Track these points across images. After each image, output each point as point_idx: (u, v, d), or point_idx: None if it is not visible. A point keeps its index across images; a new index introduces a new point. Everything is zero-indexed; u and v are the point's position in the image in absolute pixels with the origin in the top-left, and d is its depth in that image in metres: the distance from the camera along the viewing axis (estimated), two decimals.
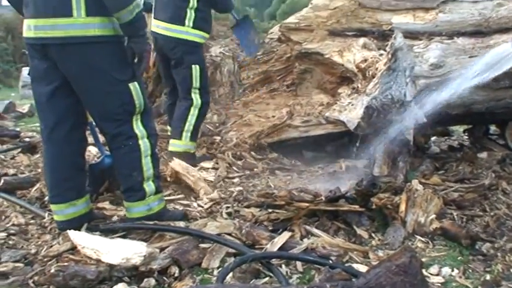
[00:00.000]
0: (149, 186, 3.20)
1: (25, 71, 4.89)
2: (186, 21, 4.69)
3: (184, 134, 4.76)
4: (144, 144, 3.15)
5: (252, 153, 4.94)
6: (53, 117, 3.08)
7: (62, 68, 2.97)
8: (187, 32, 4.70)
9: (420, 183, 3.60)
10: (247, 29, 5.47)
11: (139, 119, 3.15)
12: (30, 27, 2.97)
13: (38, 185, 3.97)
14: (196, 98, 4.80)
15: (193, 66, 4.76)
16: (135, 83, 3.09)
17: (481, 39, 4.86)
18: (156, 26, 4.83)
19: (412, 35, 4.80)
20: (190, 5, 4.68)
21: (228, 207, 3.66)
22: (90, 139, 3.62)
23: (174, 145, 4.79)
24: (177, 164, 4.17)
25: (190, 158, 4.61)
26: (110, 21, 2.92)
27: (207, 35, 4.89)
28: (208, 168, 4.58)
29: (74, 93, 3.05)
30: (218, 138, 5.25)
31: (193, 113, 4.80)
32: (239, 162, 4.74)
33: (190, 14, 4.69)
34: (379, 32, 4.97)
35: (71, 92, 3.05)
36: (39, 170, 4.47)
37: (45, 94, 3.06)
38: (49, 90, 3.05)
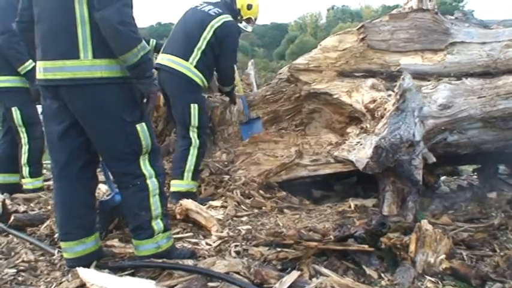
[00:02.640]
0: (157, 225, 3.20)
1: (39, 109, 4.97)
2: (190, 59, 4.86)
3: (185, 174, 4.81)
4: (152, 183, 3.17)
5: (261, 191, 4.94)
6: (64, 155, 3.13)
7: (71, 108, 3.03)
8: (189, 68, 4.85)
9: (430, 223, 3.57)
10: (255, 129, 5.62)
11: (147, 158, 3.18)
12: (40, 69, 3.06)
13: (48, 222, 3.99)
14: (194, 137, 4.88)
15: (191, 105, 4.85)
16: (143, 123, 3.12)
17: (489, 80, 4.92)
18: (161, 58, 4.97)
19: (420, 76, 4.87)
20: (199, 45, 4.86)
21: (236, 246, 3.65)
22: (101, 177, 3.64)
23: (176, 185, 4.83)
24: (189, 202, 4.21)
25: (193, 197, 4.61)
26: (117, 62, 2.97)
27: (205, 82, 5.00)
28: (217, 207, 4.58)
29: (84, 132, 3.10)
30: (227, 176, 5.26)
31: (193, 153, 4.87)
32: (248, 201, 4.74)
33: (196, 54, 4.87)
34: (388, 73, 5.03)
35: (81, 131, 3.09)
36: (49, 207, 4.49)
37: (57, 133, 3.12)
38: (60, 129, 3.10)
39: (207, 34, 4.91)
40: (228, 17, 5.05)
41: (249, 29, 5.61)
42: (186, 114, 4.86)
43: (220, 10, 5.08)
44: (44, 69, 3.03)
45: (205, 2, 5.22)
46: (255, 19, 5.58)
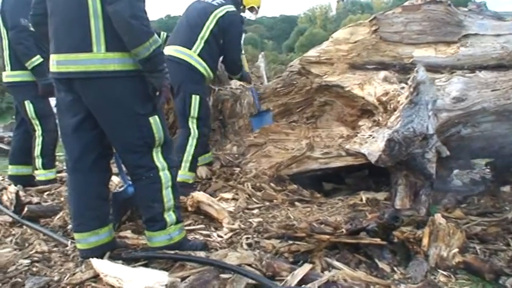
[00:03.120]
0: (170, 217, 3.21)
1: (52, 101, 5.00)
2: (194, 47, 4.89)
3: (183, 164, 4.82)
4: (164, 175, 3.18)
5: (272, 184, 4.93)
6: (78, 148, 3.15)
7: (85, 100, 3.05)
8: (191, 56, 4.87)
9: (443, 216, 3.56)
10: (265, 121, 5.61)
11: (159, 151, 3.19)
12: (54, 62, 3.07)
13: (61, 214, 4.03)
14: (193, 128, 4.90)
15: (193, 95, 4.87)
16: (156, 116, 3.13)
17: (504, 73, 4.87)
18: (167, 49, 4.98)
19: (433, 68, 4.83)
20: (202, 34, 4.90)
21: (248, 238, 3.65)
22: (114, 169, 3.65)
23: None
24: (201, 194, 4.22)
25: (187, 188, 4.61)
26: (129, 56, 2.98)
27: (210, 72, 5.01)
28: (228, 199, 4.59)
29: (98, 125, 3.11)
30: (238, 169, 5.27)
31: (192, 143, 4.88)
32: (259, 194, 4.74)
33: (200, 43, 4.90)
34: (400, 66, 5.00)
35: (95, 123, 3.11)
36: (62, 199, 4.52)
37: (71, 126, 3.13)
38: (74, 122, 3.12)
39: (210, 23, 4.94)
40: (231, 7, 5.07)
41: (253, 17, 5.61)
42: (187, 104, 4.87)
43: (223, 1, 5.10)
44: (57, 62, 3.04)
45: None
46: (258, 7, 5.59)
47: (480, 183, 5.36)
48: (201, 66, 4.91)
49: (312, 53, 5.47)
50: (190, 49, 4.89)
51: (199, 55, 4.89)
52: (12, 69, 5.18)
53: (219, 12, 4.97)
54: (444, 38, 5.07)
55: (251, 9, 5.54)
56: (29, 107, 5.16)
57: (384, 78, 4.78)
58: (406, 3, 5.55)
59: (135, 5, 2.86)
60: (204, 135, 5.00)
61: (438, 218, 3.40)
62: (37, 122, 5.21)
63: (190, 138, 4.89)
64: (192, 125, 4.91)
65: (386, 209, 4.00)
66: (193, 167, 4.90)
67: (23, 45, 4.99)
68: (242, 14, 5.46)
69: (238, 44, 5.25)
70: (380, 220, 3.43)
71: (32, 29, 4.59)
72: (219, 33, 4.97)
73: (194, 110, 4.88)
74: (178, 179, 4.55)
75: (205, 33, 4.92)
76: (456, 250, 3.25)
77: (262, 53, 8.37)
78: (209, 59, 4.96)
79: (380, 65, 5.07)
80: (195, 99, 4.87)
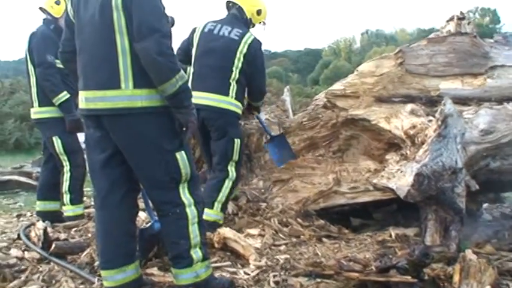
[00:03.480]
0: (196, 253, 3.19)
1: (80, 137, 5.08)
2: (230, 92, 4.79)
3: (216, 204, 4.76)
4: (191, 212, 3.18)
5: (299, 219, 4.88)
6: (106, 184, 3.17)
7: (113, 137, 3.08)
8: (230, 102, 4.80)
9: (473, 252, 3.48)
10: (281, 146, 5.55)
11: (186, 187, 3.19)
12: (82, 99, 3.12)
13: (88, 250, 4.02)
14: (232, 170, 4.85)
15: (235, 139, 4.83)
16: (182, 152, 3.15)
17: None
18: (197, 97, 4.54)
19: (460, 100, 4.80)
20: (233, 76, 4.81)
21: (275, 276, 3.60)
22: (141, 204, 3.66)
23: (206, 214, 4.66)
24: (228, 230, 4.20)
25: (218, 228, 4.48)
26: (156, 92, 3.01)
27: (242, 108, 4.98)
28: (254, 235, 4.55)
29: (126, 161, 3.14)
30: (264, 204, 5.23)
31: (228, 185, 4.82)
32: (285, 229, 4.68)
33: (233, 86, 4.81)
34: (427, 98, 4.97)
35: (123, 160, 3.14)
36: (90, 235, 4.53)
37: (99, 162, 3.16)
38: (102, 158, 3.15)
39: (238, 63, 4.84)
40: (249, 36, 4.92)
41: (263, 30, 5.48)
42: (230, 149, 4.82)
43: (239, 30, 4.93)
44: (86, 99, 3.09)
45: (214, 21, 5.08)
46: (265, 19, 5.35)
47: (511, 217, 5.24)
48: (238, 107, 4.87)
49: (338, 86, 5.47)
50: (227, 95, 4.78)
51: (236, 98, 4.83)
52: (40, 106, 5.28)
53: (243, 49, 4.83)
54: (471, 69, 5.04)
55: (261, 24, 5.33)
56: (57, 142, 5.23)
57: (410, 111, 4.74)
58: (431, 36, 5.55)
59: (162, 43, 2.91)
60: (240, 177, 5.01)
61: (469, 254, 3.32)
62: (65, 158, 5.28)
63: (227, 180, 4.83)
64: (231, 168, 4.86)
65: (416, 245, 3.91)
66: (224, 208, 4.87)
67: (50, 82, 5.09)
68: (252, 28, 5.27)
69: (263, 71, 5.20)
70: (410, 257, 3.36)
71: (58, 65, 4.73)
72: (246, 67, 4.87)
73: (236, 154, 4.85)
74: (210, 218, 4.59)
75: (235, 74, 4.82)
76: (488, 287, 3.15)
77: (288, 86, 8.39)
78: (242, 97, 4.94)
79: (406, 97, 5.04)
80: (237, 144, 4.85)
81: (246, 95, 5.15)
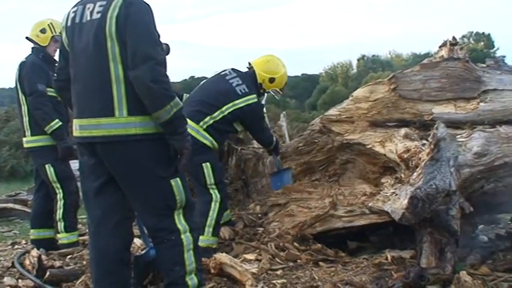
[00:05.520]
0: (192, 280, 3.19)
1: (73, 164, 5.10)
2: (201, 123, 4.83)
3: (206, 229, 4.77)
4: (186, 238, 3.19)
5: (295, 244, 4.87)
6: (100, 212, 3.18)
7: (107, 164, 3.10)
8: (197, 130, 4.79)
9: (468, 274, 3.49)
10: (285, 180, 5.61)
11: (181, 213, 3.21)
12: (77, 127, 3.15)
13: (83, 278, 4.02)
14: (215, 193, 4.85)
15: (203, 164, 4.81)
16: (177, 179, 3.16)
17: None
18: None
19: (454, 124, 4.83)
20: (214, 115, 4.88)
21: None
22: (136, 231, 3.66)
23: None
24: (224, 256, 4.20)
25: (212, 254, 4.47)
26: (151, 119, 3.04)
27: (215, 144, 4.94)
28: (251, 260, 4.54)
29: (120, 188, 3.15)
30: (261, 229, 5.24)
31: (214, 208, 4.83)
32: (282, 254, 4.68)
33: (208, 120, 4.86)
34: (421, 122, 5.00)
35: (117, 187, 3.15)
36: (85, 262, 4.52)
37: (93, 189, 3.18)
38: (96, 185, 3.17)
39: (226, 110, 4.92)
40: (252, 99, 5.03)
41: (277, 97, 5.56)
42: (200, 174, 4.82)
43: (246, 89, 5.03)
44: (80, 127, 3.12)
45: (234, 70, 5.24)
46: (281, 89, 5.47)
47: (506, 238, 5.24)
48: (207, 140, 4.85)
49: (333, 111, 5.50)
50: (197, 124, 4.81)
51: (205, 130, 4.84)
52: (32, 135, 5.30)
53: (240, 103, 4.95)
54: (463, 94, 5.08)
55: (275, 93, 5.44)
56: (49, 170, 5.24)
57: (404, 135, 4.77)
58: (424, 61, 5.61)
59: (156, 70, 2.94)
60: (226, 197, 5.00)
61: (464, 275, 3.34)
62: (58, 186, 5.28)
63: (213, 203, 4.84)
64: (213, 191, 4.87)
65: (411, 267, 3.91)
66: (216, 231, 4.87)
67: (42, 111, 5.12)
68: (265, 93, 5.45)
69: (262, 127, 5.28)
70: (406, 279, 3.38)
71: (49, 93, 4.78)
72: (232, 118, 4.97)
73: (209, 178, 4.83)
74: (202, 244, 4.55)
75: (217, 115, 4.88)
76: None
77: (284, 112, 8.46)
78: (216, 134, 4.90)
79: (400, 122, 5.07)
80: (207, 167, 4.82)
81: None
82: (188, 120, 4.73)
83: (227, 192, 5.06)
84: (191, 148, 4.74)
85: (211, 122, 4.86)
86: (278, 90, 5.40)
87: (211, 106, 4.92)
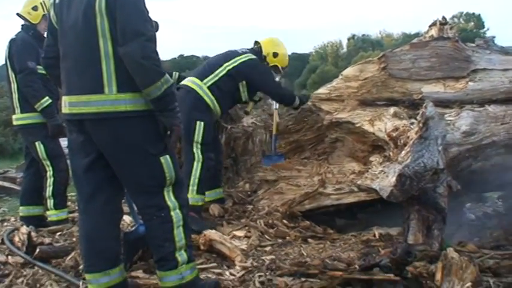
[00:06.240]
0: (181, 256, 3.20)
1: (63, 142, 5.09)
2: (205, 80, 5.11)
3: (190, 188, 4.90)
4: (176, 215, 3.19)
5: (284, 221, 4.92)
6: (89, 188, 3.17)
7: (96, 141, 3.08)
8: (200, 86, 5.08)
9: (455, 250, 3.52)
10: (275, 161, 5.73)
11: (171, 190, 3.20)
12: (66, 104, 3.12)
13: (72, 254, 4.03)
14: (198, 153, 5.00)
15: (197, 122, 4.99)
16: (166, 156, 3.15)
17: None
18: (186, 80, 5.25)
19: (442, 103, 4.85)
20: (217, 71, 5.16)
21: (260, 276, 3.64)
22: (125, 208, 3.67)
23: None
24: (213, 232, 4.23)
25: (197, 211, 4.76)
26: (141, 96, 3.02)
27: (216, 106, 5.16)
28: (240, 237, 4.58)
29: (109, 165, 3.14)
30: (250, 206, 5.28)
31: (196, 167, 4.98)
32: (271, 231, 4.73)
33: (212, 77, 5.14)
34: (410, 101, 5.02)
35: (106, 164, 3.14)
36: (74, 239, 4.53)
37: (82, 166, 3.16)
38: (86, 162, 3.15)
39: (229, 64, 5.19)
40: (250, 56, 5.33)
41: (277, 78, 5.73)
42: (191, 129, 4.97)
43: (248, 51, 5.41)
44: (70, 104, 3.10)
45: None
46: (283, 68, 5.76)
47: (493, 216, 5.31)
48: (208, 97, 5.08)
49: (323, 90, 5.53)
50: (201, 80, 5.10)
51: (208, 87, 5.08)
52: (22, 112, 5.27)
53: (242, 58, 5.27)
54: (452, 73, 5.10)
55: (275, 68, 5.67)
56: (39, 148, 5.23)
57: (393, 114, 4.79)
58: (414, 40, 5.62)
59: (147, 46, 2.92)
60: (208, 159, 5.06)
61: (451, 252, 3.35)
62: (48, 163, 5.27)
63: (195, 163, 4.98)
64: (197, 150, 5.00)
65: (399, 244, 3.95)
66: (200, 190, 4.98)
67: (32, 88, 5.09)
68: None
69: (272, 84, 5.47)
70: (393, 255, 3.40)
71: (39, 71, 4.74)
72: (236, 75, 5.20)
73: (198, 135, 4.99)
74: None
75: (221, 71, 5.16)
76: (469, 284, 3.18)
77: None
78: (218, 93, 5.12)
79: (390, 101, 5.10)
80: (199, 125, 4.99)
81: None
82: (193, 78, 5.12)
83: (210, 156, 5.11)
84: (191, 103, 4.97)
85: (215, 79, 5.13)
86: (279, 68, 5.68)
87: (214, 66, 5.25)
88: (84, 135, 3.11)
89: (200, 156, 4.99)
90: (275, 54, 5.63)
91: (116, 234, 3.32)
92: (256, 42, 5.72)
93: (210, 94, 5.08)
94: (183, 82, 5.25)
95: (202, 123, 5.00)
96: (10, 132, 14.79)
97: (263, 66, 5.48)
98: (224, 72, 5.16)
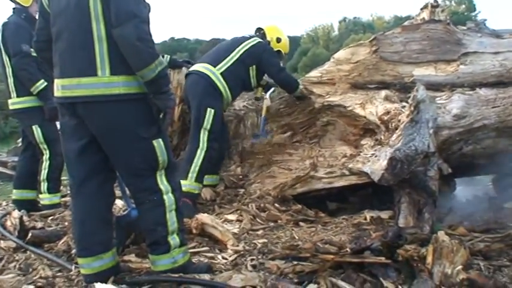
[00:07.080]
0: (174, 240, 3.21)
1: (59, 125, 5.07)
2: (219, 65, 5.19)
3: (190, 174, 4.93)
4: (168, 199, 3.19)
5: (276, 205, 4.93)
6: (81, 172, 3.16)
7: (88, 124, 3.07)
8: (214, 72, 5.14)
9: (446, 234, 3.55)
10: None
11: (163, 174, 3.20)
12: (58, 87, 3.10)
13: (65, 238, 4.03)
14: (203, 140, 5.02)
15: (208, 108, 5.03)
16: (159, 139, 3.15)
17: (503, 90, 4.91)
18: (194, 66, 5.41)
19: (433, 86, 4.86)
20: (230, 56, 5.27)
21: (252, 260, 3.65)
22: (118, 192, 3.67)
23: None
24: (205, 216, 4.24)
25: (193, 198, 4.81)
26: (134, 79, 3.00)
27: (228, 93, 5.22)
28: (232, 221, 4.60)
29: (102, 149, 3.13)
30: (242, 190, 5.29)
31: (199, 155, 5.00)
32: (263, 214, 4.74)
33: (226, 63, 5.23)
34: (401, 85, 5.03)
35: (99, 148, 3.13)
36: (66, 224, 4.53)
37: (74, 150, 3.15)
38: (78, 146, 3.14)
39: (241, 48, 5.33)
40: (258, 39, 5.52)
41: (281, 60, 5.79)
42: (201, 115, 5.03)
43: (254, 35, 5.63)
44: (62, 87, 3.07)
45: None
46: (285, 54, 5.90)
47: (483, 200, 5.35)
48: (221, 84, 5.15)
49: (314, 73, 5.53)
50: (215, 67, 5.17)
51: (221, 74, 5.16)
52: (18, 96, 5.24)
53: (251, 42, 5.41)
54: (444, 56, 5.10)
55: (278, 53, 5.77)
56: (37, 131, 5.22)
57: (385, 97, 4.81)
58: (405, 23, 5.61)
59: (141, 28, 2.90)
60: (213, 149, 5.07)
61: (442, 235, 3.38)
62: (45, 146, 5.27)
63: (199, 150, 5.00)
64: (203, 137, 5.03)
65: (390, 227, 3.98)
66: (199, 178, 4.98)
67: (27, 71, 5.06)
68: None
69: (279, 65, 5.56)
70: (384, 239, 3.42)
71: (34, 54, 4.70)
72: (247, 58, 5.32)
73: (207, 122, 5.03)
74: (185, 188, 4.61)
75: (233, 56, 5.26)
76: (460, 267, 3.22)
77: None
78: (231, 80, 5.20)
79: (381, 84, 5.11)
80: (210, 112, 5.03)
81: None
82: (205, 63, 5.22)
83: (215, 145, 5.11)
84: (204, 89, 5.06)
85: (227, 65, 5.22)
86: (282, 53, 5.82)
87: (227, 50, 5.37)
88: (77, 118, 3.09)
89: (205, 144, 5.01)
90: (278, 40, 5.75)
91: (108, 218, 3.32)
92: (259, 29, 5.84)
93: (223, 80, 5.15)
94: (194, 68, 5.32)
95: (213, 110, 5.04)
96: (1, 116, 14.69)
97: (272, 49, 5.60)
98: (236, 57, 5.26)
